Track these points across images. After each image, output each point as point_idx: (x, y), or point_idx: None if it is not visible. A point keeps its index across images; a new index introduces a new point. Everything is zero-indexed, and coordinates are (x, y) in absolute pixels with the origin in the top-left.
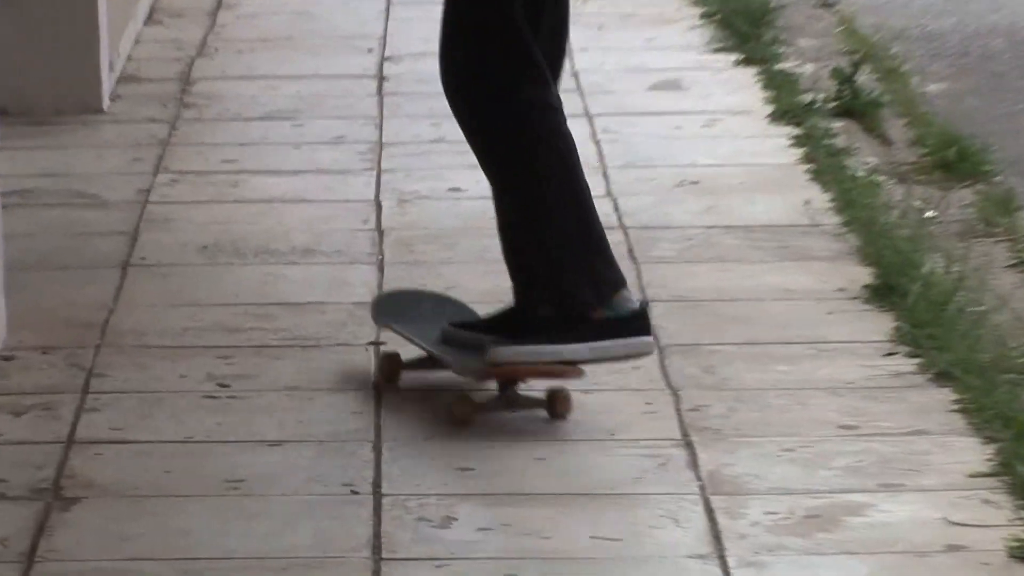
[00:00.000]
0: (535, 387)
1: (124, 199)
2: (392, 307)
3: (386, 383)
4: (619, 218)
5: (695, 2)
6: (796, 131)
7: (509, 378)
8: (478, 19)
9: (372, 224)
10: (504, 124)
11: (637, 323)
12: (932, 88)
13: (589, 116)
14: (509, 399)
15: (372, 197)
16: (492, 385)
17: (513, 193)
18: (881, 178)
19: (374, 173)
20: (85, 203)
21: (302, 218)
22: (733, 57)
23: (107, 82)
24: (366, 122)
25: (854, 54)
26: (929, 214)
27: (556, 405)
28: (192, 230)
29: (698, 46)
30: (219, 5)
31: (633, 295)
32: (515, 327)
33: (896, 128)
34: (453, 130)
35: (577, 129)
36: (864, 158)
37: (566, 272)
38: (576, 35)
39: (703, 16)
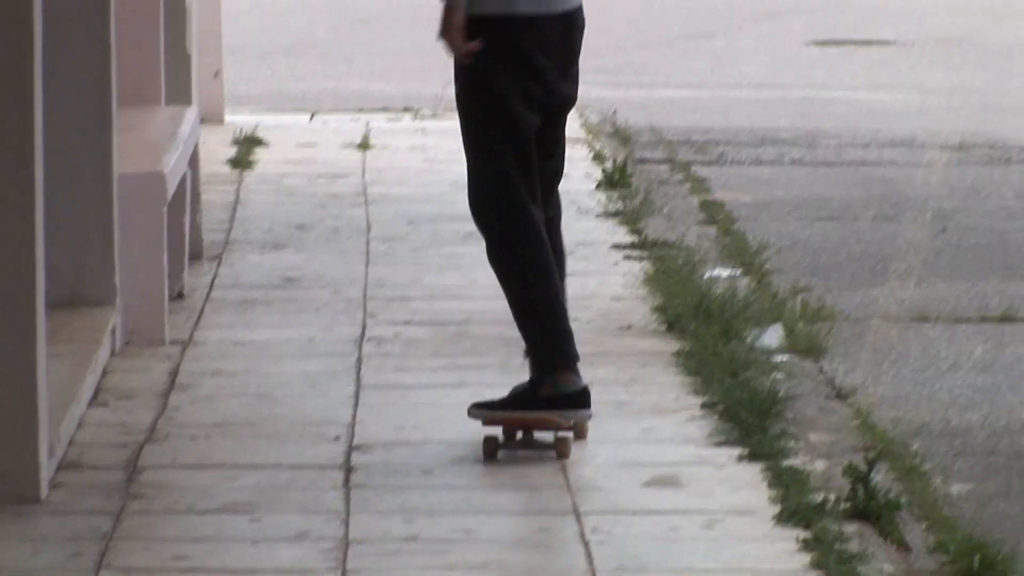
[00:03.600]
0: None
1: None
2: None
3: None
4: None
5: (695, 391)
6: (805, 534)
7: (503, 425)
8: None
9: None
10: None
11: (577, 399)
12: (955, 489)
13: (577, 514)
14: (525, 441)
15: None
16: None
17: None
18: None
19: (339, 574)
20: None
21: None
22: (736, 452)
23: (46, 469)
24: (331, 517)
25: (870, 451)
26: None
27: (559, 447)
28: None
29: (698, 439)
30: (172, 386)
31: (580, 379)
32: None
33: (915, 532)
34: (427, 527)
35: (564, 529)
36: (879, 565)
37: (540, 340)
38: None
39: (704, 406)
